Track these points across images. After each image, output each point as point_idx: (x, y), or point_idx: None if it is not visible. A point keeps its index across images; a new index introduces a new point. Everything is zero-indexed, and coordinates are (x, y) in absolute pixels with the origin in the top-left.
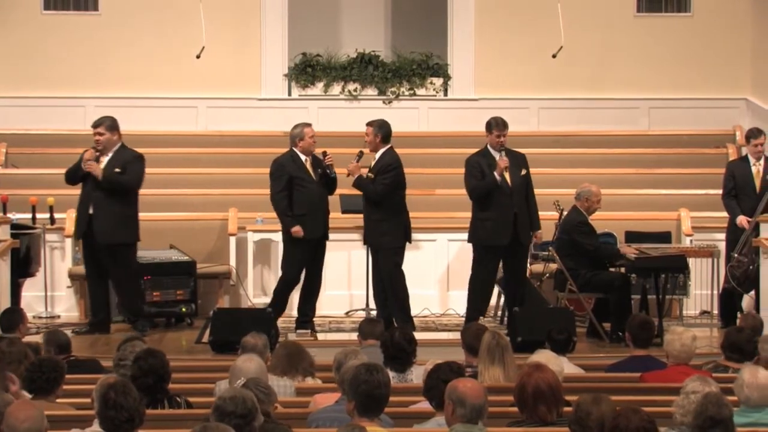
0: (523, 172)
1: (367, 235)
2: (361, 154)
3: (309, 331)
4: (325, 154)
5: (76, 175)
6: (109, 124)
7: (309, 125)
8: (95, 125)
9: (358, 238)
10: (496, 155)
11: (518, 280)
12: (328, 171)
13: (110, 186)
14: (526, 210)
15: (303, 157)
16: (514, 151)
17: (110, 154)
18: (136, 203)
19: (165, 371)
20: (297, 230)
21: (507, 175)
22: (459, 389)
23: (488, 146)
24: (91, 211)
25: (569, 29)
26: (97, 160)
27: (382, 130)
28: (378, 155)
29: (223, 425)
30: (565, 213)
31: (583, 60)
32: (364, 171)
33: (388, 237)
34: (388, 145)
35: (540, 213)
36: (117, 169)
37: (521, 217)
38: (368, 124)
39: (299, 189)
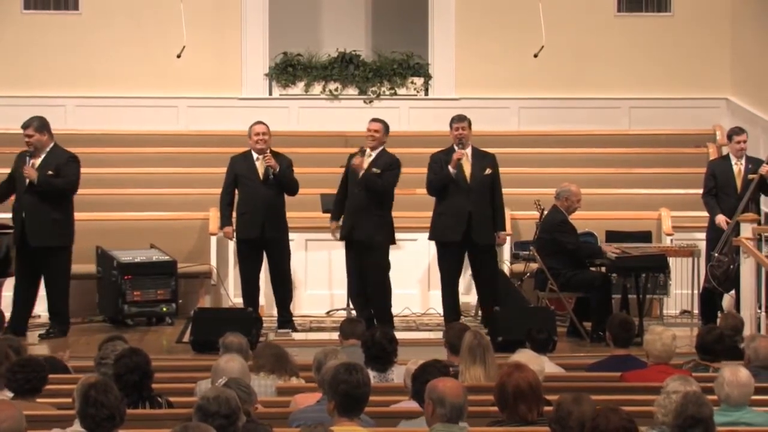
0: (488, 171)
1: (362, 232)
2: (364, 151)
3: (290, 330)
4: (263, 153)
5: (7, 189)
6: (37, 124)
7: (258, 123)
8: (24, 126)
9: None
10: (457, 150)
11: (483, 283)
12: (270, 173)
13: (45, 189)
14: (488, 210)
15: (255, 156)
16: (483, 151)
17: (42, 156)
18: (71, 206)
19: (149, 369)
20: (225, 231)
21: (467, 172)
22: (439, 388)
23: (453, 143)
24: (23, 215)
25: (550, 29)
26: (27, 162)
27: (387, 128)
28: (375, 153)
29: (204, 425)
30: (545, 212)
31: (563, 60)
32: None
33: (385, 234)
34: (384, 144)
35: (520, 212)
36: (50, 172)
37: (477, 216)
38: (377, 121)
39: (242, 188)
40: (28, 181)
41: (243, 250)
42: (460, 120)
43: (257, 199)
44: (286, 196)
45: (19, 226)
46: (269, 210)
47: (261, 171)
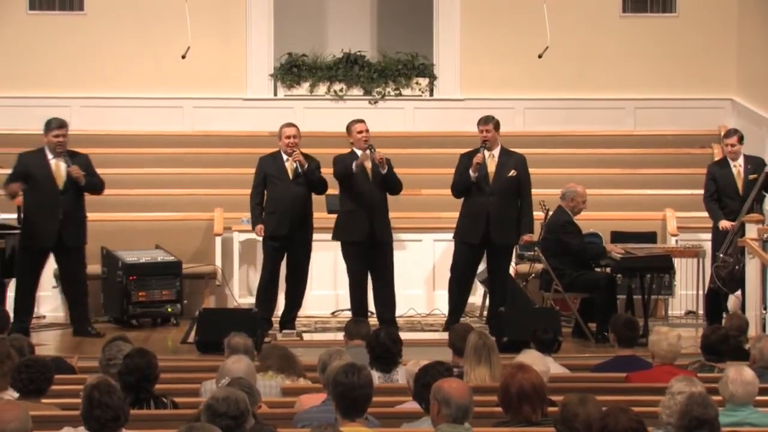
0: (512, 173)
1: (382, 231)
2: (372, 148)
3: (294, 331)
4: (293, 151)
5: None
6: (68, 125)
7: (288, 125)
8: (60, 125)
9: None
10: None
11: (496, 283)
12: (298, 169)
13: (86, 190)
14: (510, 212)
15: (285, 156)
16: (511, 152)
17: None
18: None
19: (150, 371)
20: (256, 230)
21: (490, 174)
22: (444, 389)
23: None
24: (60, 216)
25: (555, 29)
26: (51, 162)
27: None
28: (370, 146)
29: (209, 426)
30: (550, 213)
31: (568, 60)
32: None
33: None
34: None
35: None
36: (83, 173)
37: (496, 217)
38: (364, 121)
39: (271, 187)
40: (64, 181)
41: (270, 248)
42: (485, 122)
43: (286, 198)
44: (313, 198)
45: (55, 228)
46: (298, 209)
47: (290, 171)
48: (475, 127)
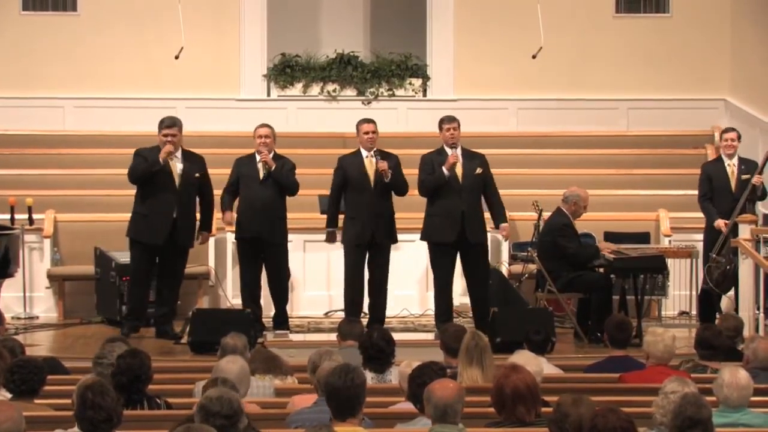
0: (479, 171)
1: (386, 231)
2: (377, 153)
3: (286, 331)
4: (259, 152)
5: (146, 174)
6: (181, 124)
7: (262, 126)
8: (170, 125)
9: (337, 238)
10: (449, 151)
11: (476, 282)
12: (265, 171)
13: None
14: (479, 210)
15: (258, 157)
16: (473, 152)
17: (178, 154)
18: None
19: (143, 372)
20: (226, 216)
21: (459, 173)
22: (429, 388)
23: (443, 144)
24: (175, 215)
25: (548, 30)
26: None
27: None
28: (376, 151)
29: (207, 427)
30: (544, 213)
31: (562, 61)
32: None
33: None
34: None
35: (518, 213)
36: (197, 174)
37: (470, 215)
38: (373, 122)
39: (243, 188)
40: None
41: (241, 250)
42: (450, 121)
43: (255, 199)
44: (288, 199)
45: (169, 225)
46: (266, 211)
47: (262, 172)
48: (468, 128)
